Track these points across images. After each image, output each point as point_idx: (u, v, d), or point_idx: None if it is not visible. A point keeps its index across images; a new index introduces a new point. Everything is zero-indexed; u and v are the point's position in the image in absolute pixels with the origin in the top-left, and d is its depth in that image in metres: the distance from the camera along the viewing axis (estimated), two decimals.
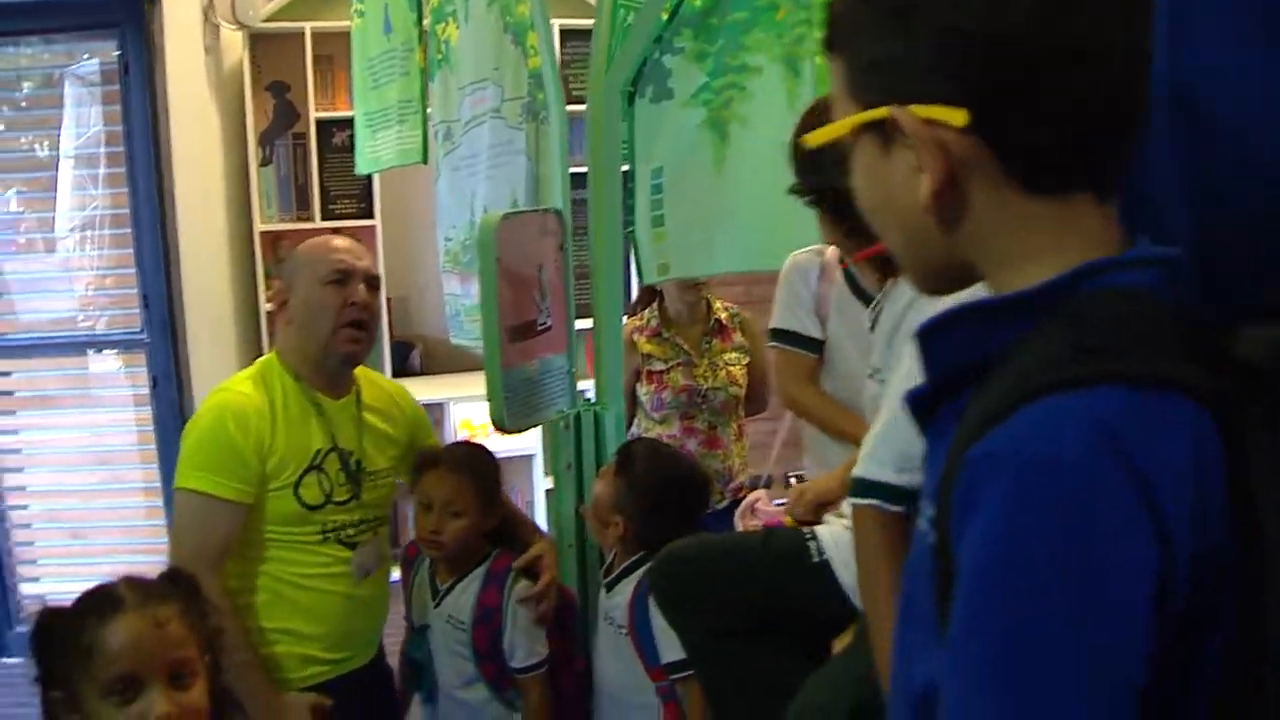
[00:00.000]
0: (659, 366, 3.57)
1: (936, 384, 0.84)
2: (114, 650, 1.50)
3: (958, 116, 0.76)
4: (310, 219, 4.87)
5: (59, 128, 4.40)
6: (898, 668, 0.89)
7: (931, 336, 0.84)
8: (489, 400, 2.53)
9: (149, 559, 4.49)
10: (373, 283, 2.33)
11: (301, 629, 2.25)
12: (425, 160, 3.38)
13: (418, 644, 2.46)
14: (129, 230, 4.30)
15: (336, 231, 4.86)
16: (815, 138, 0.87)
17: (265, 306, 4.93)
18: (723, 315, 3.69)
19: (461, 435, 5.25)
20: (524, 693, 2.40)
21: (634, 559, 2.34)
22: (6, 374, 4.51)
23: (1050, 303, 0.77)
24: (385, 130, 3.56)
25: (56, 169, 4.43)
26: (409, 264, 5.43)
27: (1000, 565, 0.69)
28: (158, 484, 4.47)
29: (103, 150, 4.37)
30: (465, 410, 5.30)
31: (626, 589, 2.32)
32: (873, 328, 1.91)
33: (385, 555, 2.43)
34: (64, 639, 1.52)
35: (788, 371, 2.67)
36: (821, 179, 1.83)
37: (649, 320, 3.62)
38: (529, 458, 5.32)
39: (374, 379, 2.53)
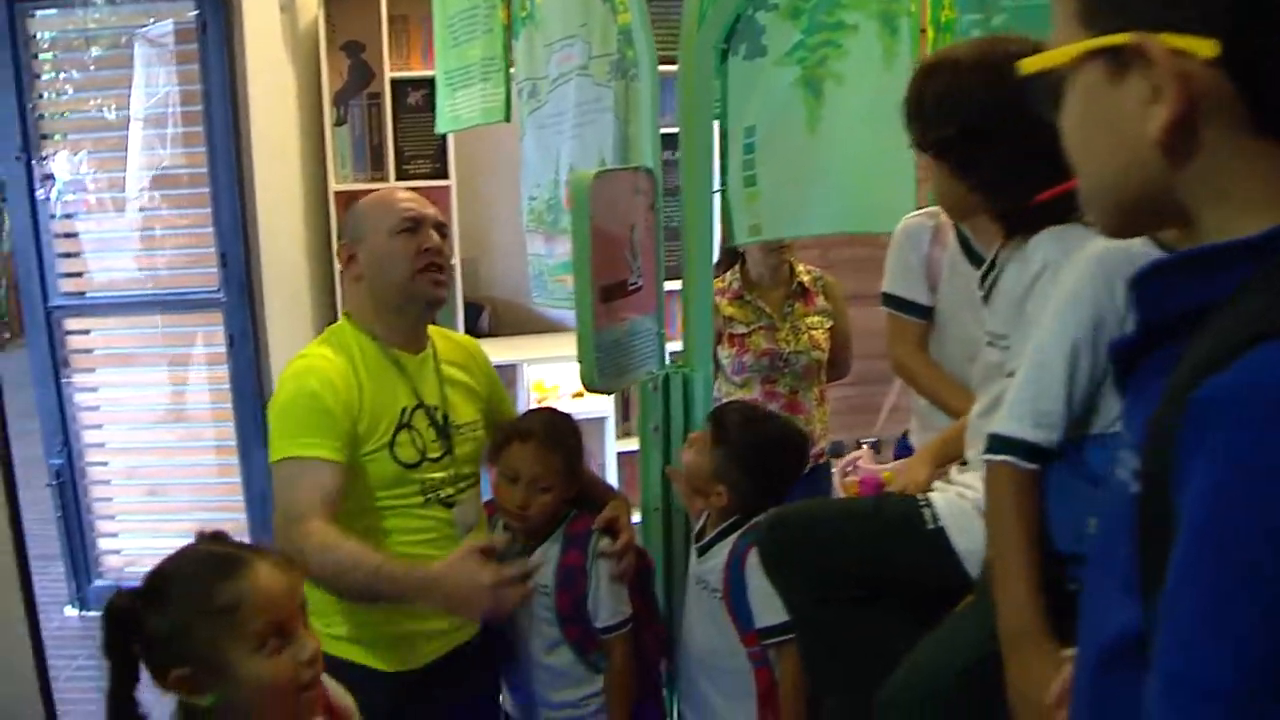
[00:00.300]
0: (740, 330, 3.53)
1: (1148, 332, 0.82)
2: (261, 601, 1.48)
3: (1207, 48, 0.73)
4: (384, 179, 4.85)
5: (129, 89, 4.42)
6: (1086, 619, 0.88)
7: (1147, 284, 0.82)
8: (580, 361, 2.50)
9: (222, 516, 4.56)
10: (441, 229, 2.30)
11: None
12: (509, 118, 3.34)
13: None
14: (206, 190, 4.33)
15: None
16: (1034, 63, 0.85)
17: (339, 266, 4.94)
18: (805, 278, 3.65)
19: (534, 397, 5.25)
20: (608, 652, 2.38)
21: (729, 523, 2.30)
22: (85, 333, 4.56)
23: (1276, 250, 0.73)
24: (467, 89, 3.52)
25: (126, 130, 4.46)
26: (480, 225, 5.44)
27: (1227, 511, 0.67)
28: (231, 442, 4.53)
29: (175, 110, 4.38)
30: (538, 372, 5.29)
31: (722, 553, 2.28)
32: (987, 291, 1.87)
33: (481, 512, 2.40)
34: (188, 608, 1.47)
35: (896, 336, 2.64)
36: (947, 131, 1.76)
37: (730, 283, 3.58)
38: (601, 420, 5.31)
39: (445, 333, 2.49)
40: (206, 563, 1.52)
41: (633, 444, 5.26)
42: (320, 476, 2.06)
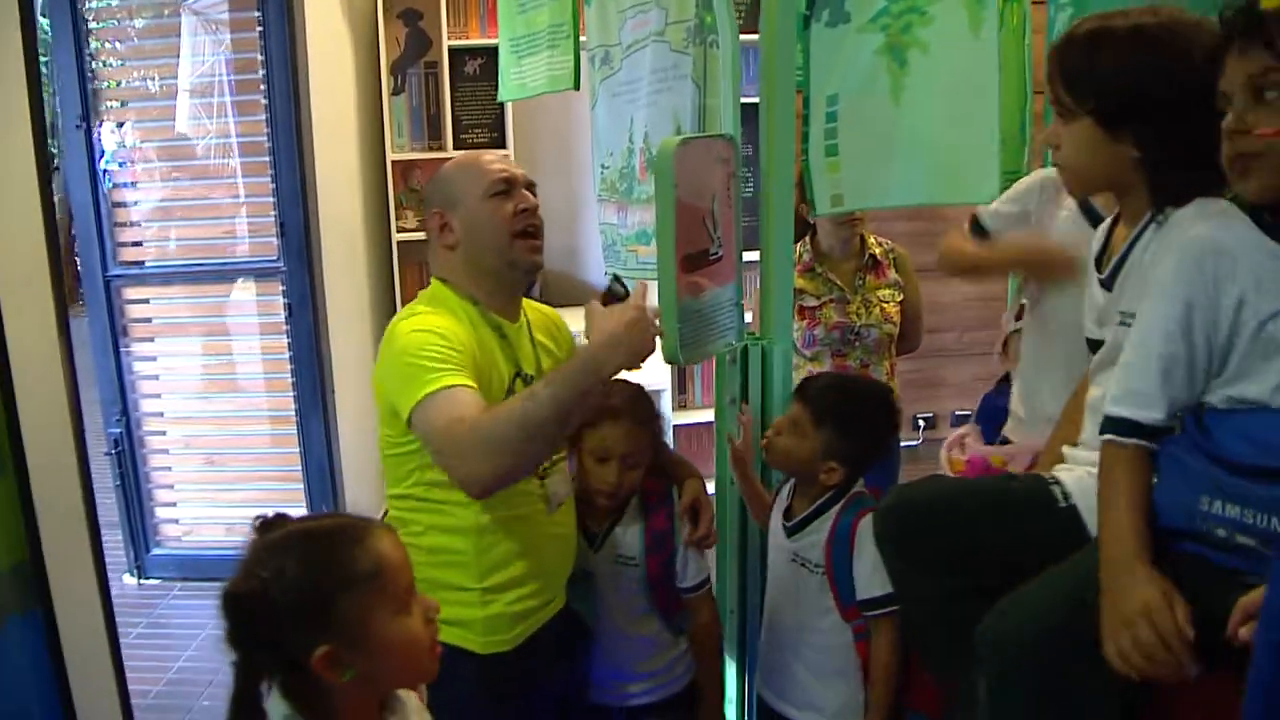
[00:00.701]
0: (811, 302, 3.48)
1: None
2: (397, 562, 1.45)
3: None
4: (442, 148, 4.83)
5: (176, 59, 4.39)
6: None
7: None
8: (661, 333, 2.46)
9: (279, 487, 4.57)
10: (533, 188, 2.25)
11: (516, 578, 2.13)
12: (577, 86, 3.29)
13: (578, 594, 2.37)
14: (266, 159, 4.30)
15: None
16: None
17: (397, 236, 4.92)
18: (877, 251, 3.60)
19: None
20: (694, 612, 2.38)
21: (826, 497, 2.27)
22: (143, 301, 4.55)
23: None
24: (533, 56, 3.47)
25: (175, 100, 4.43)
26: (539, 195, 5.34)
27: None
28: (290, 412, 4.52)
29: (228, 78, 4.36)
30: None
31: (822, 528, 2.25)
32: (1114, 269, 1.82)
33: (571, 486, 2.32)
34: (330, 581, 1.39)
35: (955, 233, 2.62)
36: (1128, 100, 1.70)
37: (801, 255, 3.53)
38: (658, 393, 5.27)
39: (528, 302, 2.41)
40: (334, 534, 1.46)
41: (689, 417, 5.28)
42: (469, 397, 1.93)
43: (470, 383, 1.96)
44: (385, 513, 2.17)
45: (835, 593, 2.22)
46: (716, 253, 2.58)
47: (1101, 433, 1.64)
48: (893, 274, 3.58)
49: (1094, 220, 2.24)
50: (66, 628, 2.38)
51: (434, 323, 2.03)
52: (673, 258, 2.38)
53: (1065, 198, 2.34)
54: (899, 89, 2.62)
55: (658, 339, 2.02)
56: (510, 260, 2.17)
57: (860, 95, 2.64)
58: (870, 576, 2.15)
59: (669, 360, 2.49)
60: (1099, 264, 1.88)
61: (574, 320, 5.09)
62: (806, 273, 3.50)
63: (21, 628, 2.25)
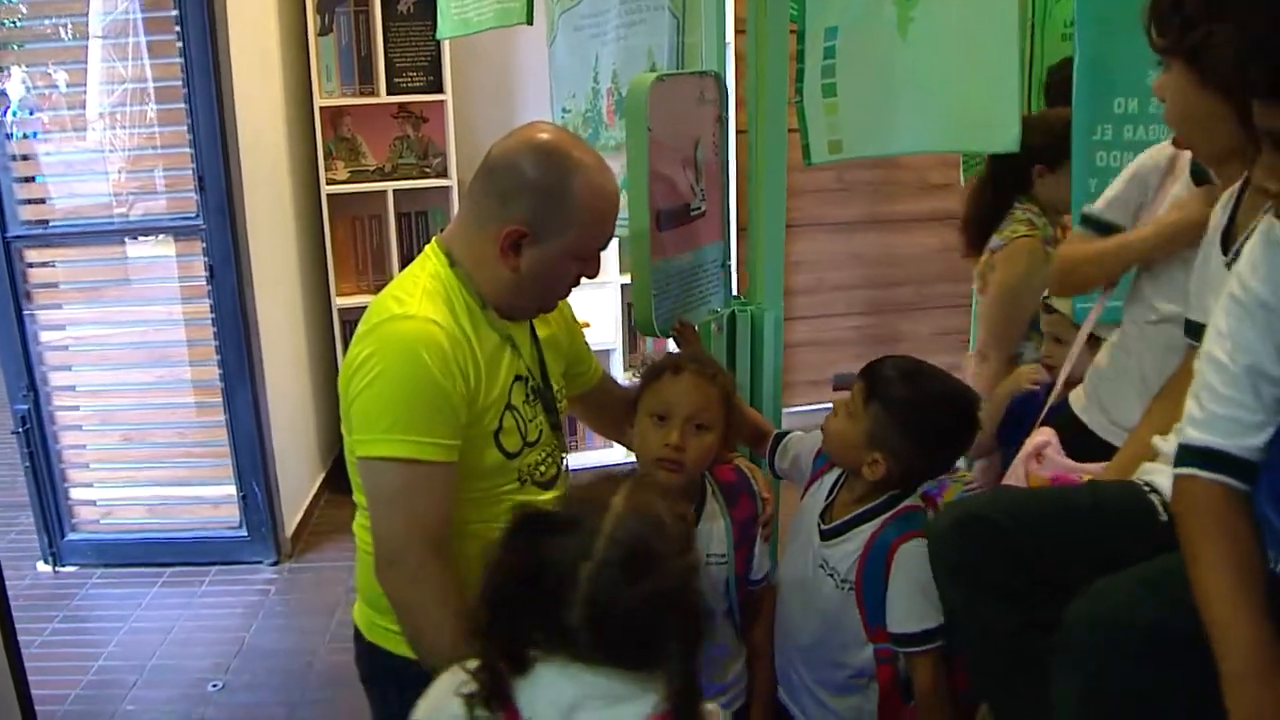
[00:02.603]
0: None
1: None
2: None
3: None
4: (374, 93, 4.54)
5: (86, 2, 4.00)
6: None
7: None
8: (634, 299, 2.17)
9: (205, 463, 4.29)
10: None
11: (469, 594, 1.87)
12: (530, 20, 2.98)
13: None
14: (181, 106, 3.92)
15: (402, 108, 4.56)
16: None
17: (326, 188, 4.59)
18: None
19: None
20: (759, 602, 2.12)
21: (873, 505, 1.99)
22: (49, 264, 4.16)
23: None
24: None
25: (86, 42, 4.04)
26: (478, 145, 5.05)
27: None
28: (214, 381, 4.19)
29: (140, 17, 3.96)
30: None
31: (859, 538, 1.96)
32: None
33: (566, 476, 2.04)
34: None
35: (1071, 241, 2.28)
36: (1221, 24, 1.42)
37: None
38: (607, 353, 5.02)
39: None
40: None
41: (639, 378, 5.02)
42: (447, 485, 1.73)
43: (449, 457, 1.72)
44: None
45: (862, 611, 1.94)
46: (699, 208, 2.30)
47: (1177, 464, 1.41)
48: None
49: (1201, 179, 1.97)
50: None
51: (432, 354, 1.70)
52: (646, 212, 2.09)
53: (1180, 171, 2.05)
54: (906, 21, 2.35)
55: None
56: (542, 306, 1.92)
57: (862, 28, 2.37)
58: (907, 608, 1.88)
59: (643, 331, 2.22)
60: (1225, 243, 1.61)
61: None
62: None
63: None
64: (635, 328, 2.19)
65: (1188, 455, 1.40)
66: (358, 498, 1.85)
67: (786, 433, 2.27)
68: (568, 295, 1.93)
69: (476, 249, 1.81)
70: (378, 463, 1.69)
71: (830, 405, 2.08)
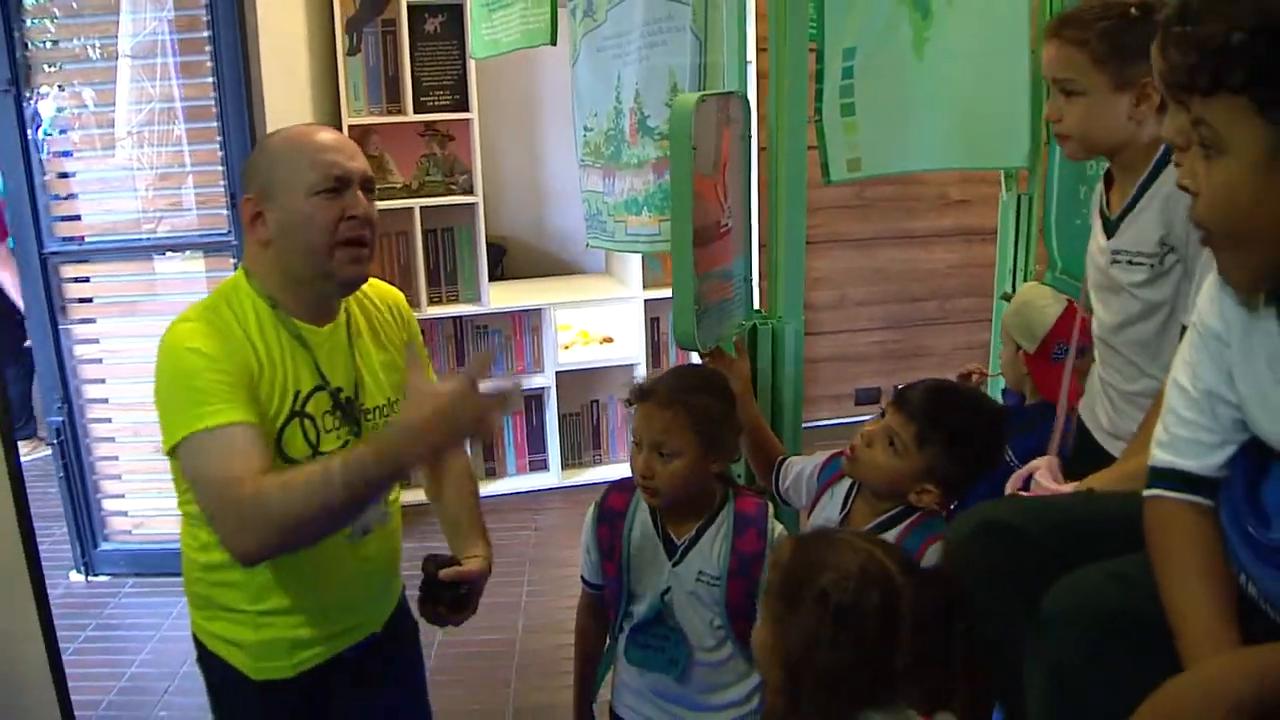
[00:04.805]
0: None
1: None
2: None
3: None
4: (401, 112, 4.59)
5: (116, 16, 4.08)
6: None
7: None
8: (676, 315, 2.22)
9: None
10: (369, 186, 1.90)
11: (298, 604, 1.90)
12: (554, 41, 3.05)
13: (659, 615, 2.07)
14: (214, 125, 4.02)
15: (429, 126, 4.62)
16: None
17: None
18: None
19: (561, 340, 5.03)
20: None
21: (892, 513, 2.02)
22: (83, 280, 4.25)
23: None
24: (505, 9, 3.23)
25: (116, 62, 4.13)
26: (504, 161, 5.18)
27: None
28: None
29: (171, 38, 4.06)
30: (564, 317, 5.14)
31: None
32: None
33: (388, 512, 2.04)
34: None
35: None
36: None
37: None
38: (630, 366, 5.08)
39: (364, 290, 2.06)
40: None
41: None
42: (243, 440, 1.71)
43: (243, 416, 1.72)
44: None
45: None
46: (727, 224, 2.35)
47: (1146, 487, 1.45)
48: None
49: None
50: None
51: (204, 340, 1.75)
52: (689, 231, 2.15)
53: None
54: (921, 41, 2.41)
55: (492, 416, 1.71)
56: (325, 272, 1.85)
57: (879, 48, 2.43)
58: None
59: (684, 346, 2.28)
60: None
61: (539, 293, 4.95)
62: None
63: None
64: (677, 341, 2.23)
65: (1155, 477, 1.44)
66: (180, 508, 1.89)
67: (786, 458, 2.31)
68: (343, 243, 1.85)
69: (250, 251, 1.88)
70: (181, 448, 1.71)
71: (854, 419, 2.13)
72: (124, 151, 4.19)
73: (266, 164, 1.85)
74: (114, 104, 4.14)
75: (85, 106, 4.15)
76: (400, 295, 2.16)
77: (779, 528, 2.07)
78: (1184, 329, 1.78)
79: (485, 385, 1.67)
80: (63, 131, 4.14)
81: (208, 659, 1.95)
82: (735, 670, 2.08)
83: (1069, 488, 1.95)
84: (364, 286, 2.02)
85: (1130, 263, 1.99)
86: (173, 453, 1.73)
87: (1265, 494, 1.31)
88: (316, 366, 1.87)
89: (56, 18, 4.08)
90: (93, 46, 4.11)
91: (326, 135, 1.88)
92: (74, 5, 4.07)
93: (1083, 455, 2.17)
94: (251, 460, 1.69)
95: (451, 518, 2.12)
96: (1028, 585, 1.59)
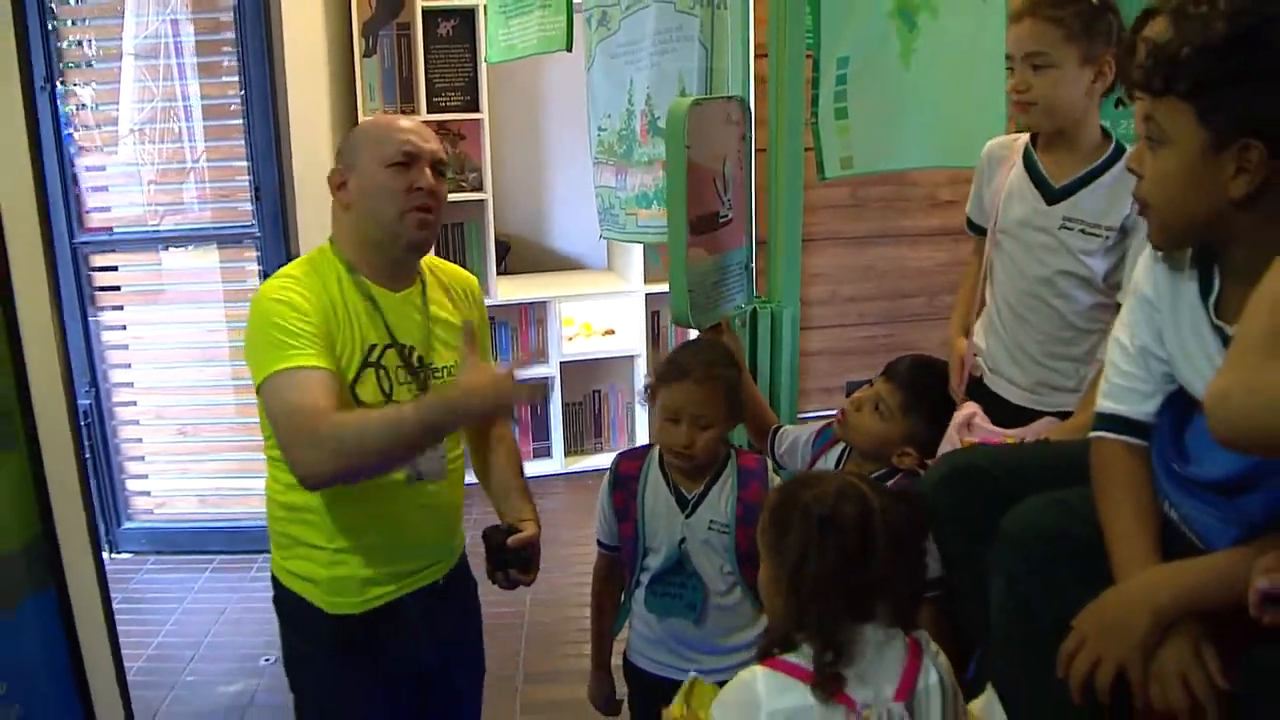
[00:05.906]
0: None
1: None
2: None
3: None
4: (415, 112, 4.75)
5: (144, 16, 4.27)
6: None
7: None
8: (672, 296, 2.43)
9: (250, 457, 4.46)
10: (439, 167, 2.15)
11: (367, 543, 2.11)
12: (569, 47, 3.25)
13: (677, 562, 2.26)
14: (238, 122, 4.22)
15: (441, 125, 4.80)
16: None
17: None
18: None
19: (566, 333, 5.21)
20: None
21: (875, 476, 2.20)
22: (111, 269, 4.45)
23: None
24: (523, 16, 3.42)
25: (143, 65, 4.32)
26: (513, 160, 5.37)
27: None
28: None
29: (194, 38, 4.26)
30: (569, 309, 5.30)
31: None
32: None
33: (446, 466, 2.22)
34: None
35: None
36: None
37: None
38: (631, 358, 5.27)
39: (441, 265, 2.33)
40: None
41: None
42: (322, 381, 1.93)
43: (324, 364, 1.95)
44: None
45: None
46: (727, 215, 2.56)
47: (1094, 429, 1.66)
48: None
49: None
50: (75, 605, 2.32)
51: (292, 293, 2.00)
52: (683, 219, 2.36)
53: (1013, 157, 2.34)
54: (909, 52, 2.62)
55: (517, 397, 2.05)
56: (395, 234, 2.09)
57: (871, 58, 2.63)
58: None
59: (679, 323, 2.48)
60: None
61: (542, 288, 5.12)
62: None
63: (37, 606, 2.18)
64: (674, 320, 2.45)
65: (1099, 421, 1.65)
66: (266, 453, 2.11)
67: (780, 426, 2.54)
68: (412, 210, 2.07)
69: (336, 218, 2.16)
70: (265, 386, 1.94)
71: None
72: (153, 146, 4.37)
73: (353, 140, 2.14)
74: (136, 101, 4.33)
75: (115, 103, 4.33)
76: (475, 280, 2.40)
77: (778, 479, 2.28)
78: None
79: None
80: (91, 127, 4.32)
81: (283, 595, 2.16)
82: (745, 614, 2.27)
83: (1013, 434, 2.19)
84: (445, 267, 2.30)
85: (1084, 231, 2.19)
86: (258, 391, 1.96)
87: (1187, 436, 1.53)
88: (386, 326, 2.09)
89: (84, 14, 4.28)
90: (118, 45, 4.29)
91: (406, 121, 2.15)
92: (100, 5, 4.26)
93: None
94: (328, 398, 1.91)
95: (501, 484, 2.34)
96: (992, 521, 1.80)
